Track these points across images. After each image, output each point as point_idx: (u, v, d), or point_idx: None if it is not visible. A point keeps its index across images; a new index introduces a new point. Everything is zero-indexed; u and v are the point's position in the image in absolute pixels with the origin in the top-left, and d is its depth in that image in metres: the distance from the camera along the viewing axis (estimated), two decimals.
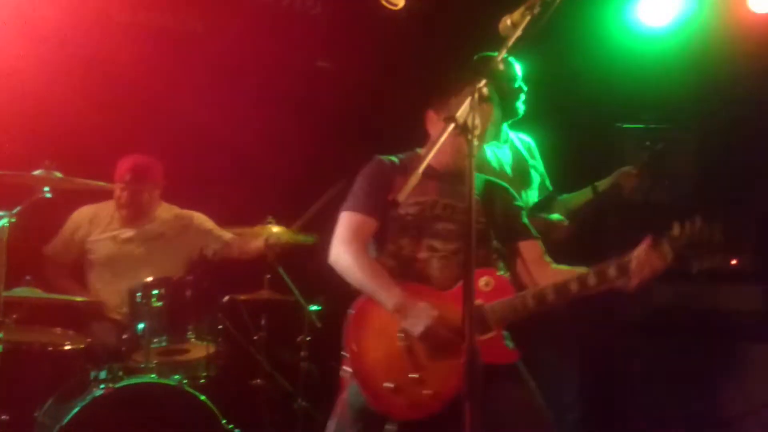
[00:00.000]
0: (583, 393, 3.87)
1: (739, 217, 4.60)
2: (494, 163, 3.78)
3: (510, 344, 2.80)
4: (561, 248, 2.93)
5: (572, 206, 4.00)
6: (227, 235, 4.36)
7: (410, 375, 2.68)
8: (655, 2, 4.74)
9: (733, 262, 4.53)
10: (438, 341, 2.67)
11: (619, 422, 4.44)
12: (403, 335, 2.72)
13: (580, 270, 2.75)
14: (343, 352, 2.75)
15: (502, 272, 2.91)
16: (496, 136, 3.88)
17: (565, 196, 4.04)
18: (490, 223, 2.95)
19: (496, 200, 3.02)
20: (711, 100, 4.73)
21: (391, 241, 2.90)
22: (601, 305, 4.47)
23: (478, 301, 2.72)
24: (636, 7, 4.77)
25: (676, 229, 2.60)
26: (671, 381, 4.48)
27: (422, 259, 2.86)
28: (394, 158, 3.02)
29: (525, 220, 3.05)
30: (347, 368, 2.73)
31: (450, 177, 2.92)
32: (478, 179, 3.04)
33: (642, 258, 2.61)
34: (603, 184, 4.00)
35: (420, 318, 2.68)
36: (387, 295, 2.74)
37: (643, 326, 4.57)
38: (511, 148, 3.92)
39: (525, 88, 3.88)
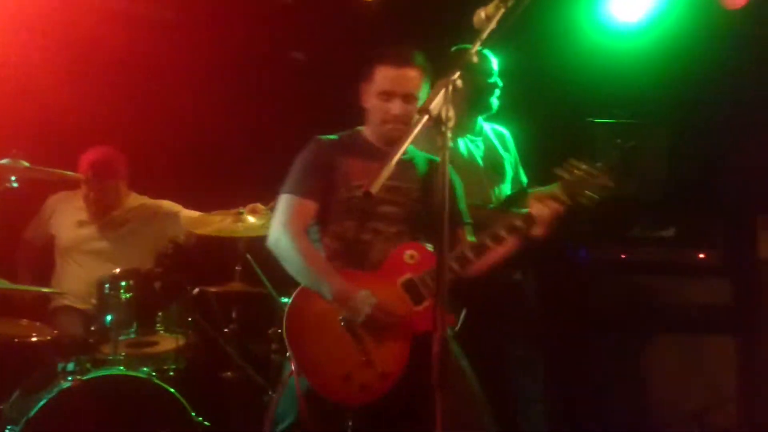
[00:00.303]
0: (549, 386, 3.90)
1: (707, 212, 4.67)
2: (465, 155, 3.79)
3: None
4: (530, 242, 2.94)
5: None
6: (195, 214, 4.31)
7: (358, 359, 2.70)
8: None
9: (701, 255, 4.58)
10: (380, 325, 2.70)
11: (584, 415, 4.48)
12: (344, 323, 2.73)
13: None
14: (288, 354, 2.73)
15: (428, 246, 2.92)
16: (471, 129, 3.89)
17: (535, 189, 4.05)
18: (433, 206, 2.96)
19: (438, 182, 3.02)
20: (682, 96, 4.78)
21: (335, 223, 2.90)
22: (570, 298, 4.54)
23: (407, 275, 2.80)
24: (608, 3, 4.79)
25: (561, 172, 2.82)
26: (637, 373, 4.52)
27: (365, 241, 2.88)
28: (333, 137, 3.02)
29: (462, 205, 3.08)
30: (293, 365, 2.71)
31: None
32: (420, 159, 3.07)
33: (540, 203, 2.79)
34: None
35: (361, 306, 2.71)
36: (326, 282, 2.75)
37: (609, 320, 4.61)
38: (484, 141, 3.93)
39: (500, 84, 3.88)
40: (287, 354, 2.76)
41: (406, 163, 3.00)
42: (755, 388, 4.35)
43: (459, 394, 2.74)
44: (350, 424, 2.69)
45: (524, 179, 4.04)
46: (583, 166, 2.86)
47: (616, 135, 4.38)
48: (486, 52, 3.83)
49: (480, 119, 3.93)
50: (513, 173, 3.99)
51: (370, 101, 2.98)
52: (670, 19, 4.69)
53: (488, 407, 2.86)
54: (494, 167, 3.89)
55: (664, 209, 4.68)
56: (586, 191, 2.82)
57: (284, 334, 2.73)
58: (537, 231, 2.82)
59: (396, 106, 2.91)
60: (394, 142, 2.94)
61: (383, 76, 2.93)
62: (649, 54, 4.74)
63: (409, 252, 2.84)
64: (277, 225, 2.89)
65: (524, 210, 2.83)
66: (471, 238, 3.04)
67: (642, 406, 4.47)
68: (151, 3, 4.85)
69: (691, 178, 4.71)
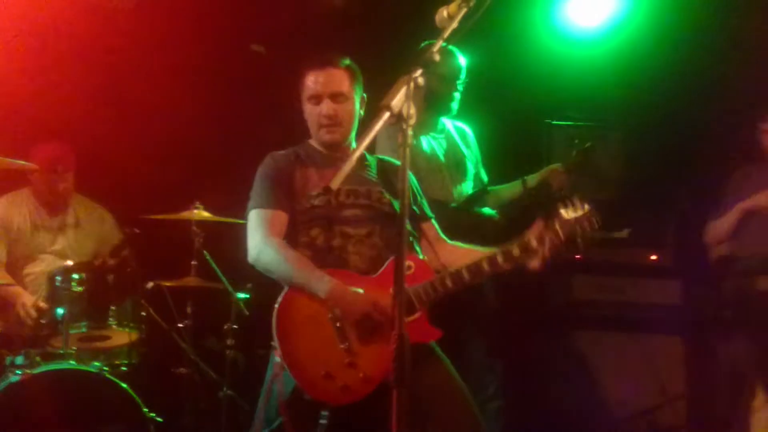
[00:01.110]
0: (506, 383, 3.94)
1: (660, 214, 4.75)
2: (428, 152, 3.81)
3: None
4: (488, 242, 2.97)
5: (502, 199, 4.06)
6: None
7: (342, 360, 2.71)
8: (584, 2, 4.84)
9: (653, 257, 4.67)
10: (371, 326, 2.72)
11: (539, 412, 4.53)
12: (335, 321, 2.74)
13: (481, 249, 2.89)
14: (272, 343, 2.73)
15: (421, 256, 2.97)
16: (433, 127, 3.90)
17: (495, 188, 4.09)
18: (394, 204, 2.98)
19: (394, 180, 3.03)
20: (637, 100, 4.87)
21: (302, 233, 2.91)
22: (526, 297, 4.59)
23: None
24: (567, 8, 4.85)
25: (563, 210, 2.78)
26: (590, 371, 4.59)
27: (337, 247, 2.88)
28: (286, 152, 3.03)
29: (421, 200, 3.11)
30: (278, 359, 2.71)
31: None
32: (372, 160, 3.08)
33: (539, 237, 2.76)
34: (532, 179, 4.06)
35: (355, 304, 2.73)
36: (320, 283, 2.76)
37: (564, 318, 4.67)
38: (446, 138, 3.95)
39: (460, 89, 3.89)
40: (271, 354, 2.76)
41: (360, 165, 3.02)
42: (703, 386, 4.44)
43: (442, 389, 2.79)
44: (325, 421, 2.68)
45: (485, 177, 4.07)
46: (585, 207, 2.79)
47: (573, 136, 4.45)
48: (454, 51, 3.84)
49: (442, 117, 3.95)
50: (474, 171, 4.02)
51: (305, 110, 3.01)
52: (628, 24, 4.77)
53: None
54: (456, 165, 3.91)
55: (618, 210, 4.76)
56: (582, 232, 2.76)
57: (273, 330, 2.72)
58: (533, 264, 2.79)
59: (325, 107, 2.94)
60: (336, 144, 2.99)
61: (309, 80, 2.98)
62: (605, 58, 4.82)
63: (407, 263, 2.81)
64: (255, 240, 2.87)
65: (523, 239, 2.79)
66: (440, 234, 3.07)
67: (593, 404, 4.54)
68: None
69: (646, 179, 4.80)
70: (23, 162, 3.71)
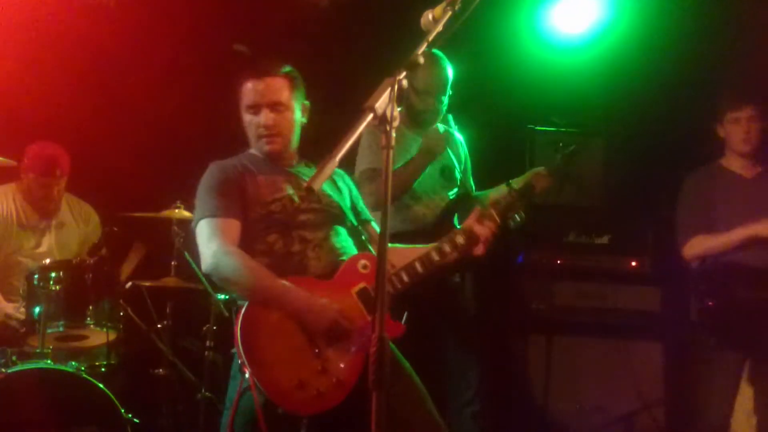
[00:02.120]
0: (483, 388, 3.94)
1: (640, 221, 4.78)
2: (412, 154, 3.81)
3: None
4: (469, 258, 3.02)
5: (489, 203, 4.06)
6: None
7: (314, 367, 2.66)
8: (569, 9, 4.87)
9: (633, 263, 4.69)
10: (339, 333, 2.69)
11: (516, 417, 4.54)
12: (302, 330, 2.69)
13: (420, 246, 2.96)
14: (240, 361, 2.65)
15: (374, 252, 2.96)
16: (420, 131, 3.91)
17: (480, 193, 4.09)
18: (344, 207, 3.00)
19: (339, 184, 3.08)
20: (618, 106, 4.90)
21: (258, 241, 2.85)
22: (507, 302, 4.60)
23: (361, 284, 2.80)
24: (551, 15, 4.87)
25: (493, 197, 3.08)
26: (569, 377, 4.61)
27: (297, 252, 2.84)
28: (231, 161, 3.00)
29: (361, 202, 3.15)
30: (246, 373, 2.63)
31: (294, 169, 2.99)
32: (310, 167, 3.08)
33: (478, 223, 2.96)
34: (517, 182, 4.06)
35: (322, 316, 2.68)
36: (284, 297, 2.71)
37: (545, 323, 4.69)
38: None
39: (442, 102, 3.88)
40: (239, 365, 2.68)
41: (303, 171, 3.03)
42: (681, 392, 4.46)
43: (407, 395, 2.75)
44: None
45: (472, 184, 4.08)
46: (514, 191, 3.09)
47: (556, 142, 4.46)
48: (440, 63, 3.82)
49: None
50: (461, 177, 4.02)
51: (244, 119, 2.98)
52: (611, 31, 4.80)
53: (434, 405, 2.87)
54: (441, 170, 3.91)
55: (600, 217, 4.78)
56: (515, 214, 3.05)
57: (238, 342, 2.64)
58: (477, 250, 2.96)
59: (263, 117, 2.93)
60: (276, 154, 2.96)
61: (247, 90, 2.95)
62: (588, 65, 4.85)
63: (362, 262, 2.84)
64: (210, 250, 2.77)
65: (465, 227, 2.97)
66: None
67: (571, 409, 4.56)
68: None
69: (627, 186, 4.83)
70: (4, 158, 3.67)
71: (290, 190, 2.91)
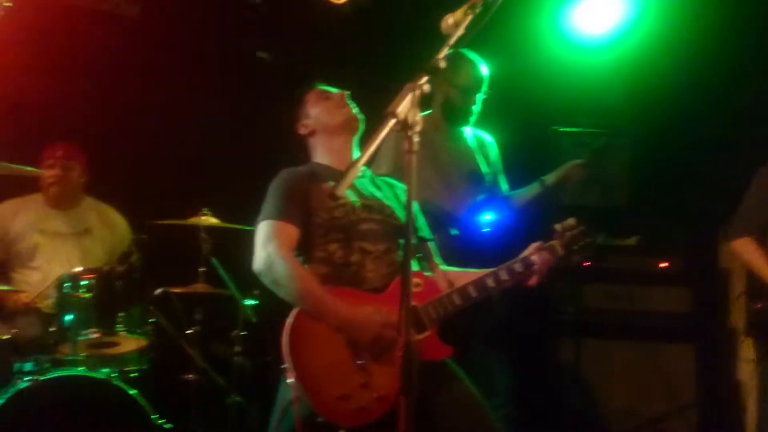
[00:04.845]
0: (512, 392, 3.92)
1: (668, 221, 4.73)
2: (440, 159, 3.81)
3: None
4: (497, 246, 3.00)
5: (521, 202, 4.06)
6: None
7: (357, 380, 2.67)
8: (592, 10, 4.83)
9: (663, 264, 4.64)
10: (384, 345, 2.69)
11: (548, 420, 4.51)
12: (347, 343, 2.71)
13: (474, 270, 2.92)
14: (284, 365, 2.68)
15: (428, 273, 2.97)
16: (450, 135, 3.90)
17: (512, 192, 4.09)
18: (401, 219, 3.00)
19: (400, 198, 3.09)
20: (644, 106, 4.85)
21: (318, 248, 2.89)
22: (537, 305, 4.57)
23: (412, 303, 2.75)
24: (574, 15, 4.84)
25: (559, 228, 2.91)
26: (598, 380, 4.57)
27: (355, 263, 2.86)
28: (300, 168, 3.06)
29: (421, 219, 3.13)
30: (291, 380, 2.66)
31: (356, 179, 3.00)
32: (373, 179, 3.10)
33: (539, 255, 2.87)
34: (550, 178, 4.06)
35: (367, 327, 2.70)
36: (329, 312, 2.73)
37: (575, 326, 4.66)
38: (462, 147, 3.95)
39: (479, 101, 3.89)
40: (282, 374, 2.71)
41: (364, 181, 3.05)
42: (714, 394, 4.41)
43: (473, 413, 2.78)
44: None
45: (504, 186, 4.07)
46: (580, 228, 2.95)
47: (580, 143, 4.44)
48: (475, 61, 3.84)
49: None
50: (491, 181, 4.01)
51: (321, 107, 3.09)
52: (635, 31, 4.75)
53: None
54: (469, 174, 3.91)
55: (627, 218, 4.74)
56: (580, 249, 2.93)
57: (285, 352, 2.67)
58: (532, 281, 2.89)
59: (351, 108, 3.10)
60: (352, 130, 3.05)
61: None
62: (613, 64, 4.80)
63: (415, 280, 2.82)
64: (266, 250, 2.82)
65: (524, 255, 2.89)
66: (436, 257, 3.09)
67: (602, 412, 4.52)
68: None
69: (654, 187, 4.78)
70: (23, 167, 3.74)
71: (353, 197, 2.95)
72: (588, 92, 4.80)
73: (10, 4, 3.07)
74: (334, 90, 3.15)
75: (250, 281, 4.08)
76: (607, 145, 3.97)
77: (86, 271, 3.73)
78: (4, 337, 3.62)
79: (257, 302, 4.16)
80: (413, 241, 2.97)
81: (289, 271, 2.78)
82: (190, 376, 4.12)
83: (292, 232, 2.87)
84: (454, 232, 3.80)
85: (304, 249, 2.90)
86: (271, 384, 2.89)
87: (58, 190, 4.29)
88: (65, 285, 3.68)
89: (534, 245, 2.90)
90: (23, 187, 4.30)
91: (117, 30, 4.72)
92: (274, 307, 2.91)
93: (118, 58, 4.72)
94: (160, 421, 3.51)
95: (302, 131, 3.14)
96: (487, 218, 3.98)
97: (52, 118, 4.55)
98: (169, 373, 4.11)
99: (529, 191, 4.08)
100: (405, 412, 2.05)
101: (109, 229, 4.41)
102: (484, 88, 3.89)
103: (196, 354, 4.12)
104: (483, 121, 4.08)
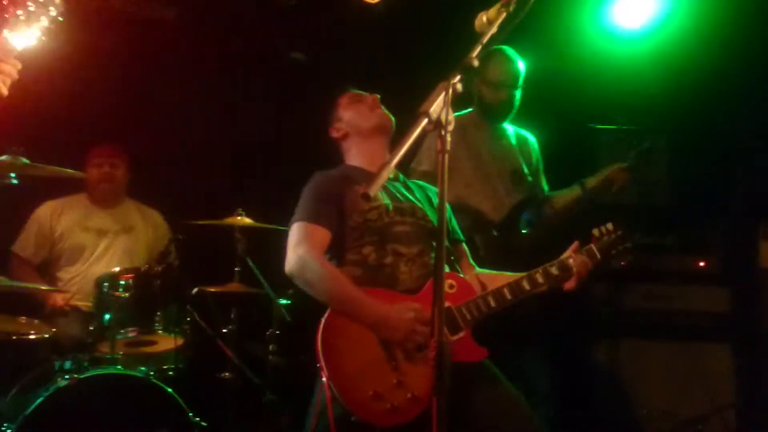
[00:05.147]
0: (549, 393, 3.89)
1: (707, 219, 4.66)
2: (479, 158, 3.79)
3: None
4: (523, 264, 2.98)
5: (560, 204, 4.02)
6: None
7: (390, 380, 2.67)
8: (629, 4, 4.77)
9: (701, 263, 4.58)
10: (417, 342, 2.69)
11: (585, 421, 4.47)
12: (381, 342, 2.71)
13: (509, 274, 2.92)
14: (318, 365, 2.69)
15: (462, 275, 2.97)
16: (491, 133, 3.88)
17: (552, 193, 4.06)
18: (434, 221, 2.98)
19: (432, 200, 3.08)
20: (682, 103, 4.78)
21: (352, 251, 2.90)
22: (571, 305, 4.53)
23: (446, 304, 2.77)
24: (611, 9, 4.79)
25: (597, 232, 2.93)
26: (636, 380, 4.52)
27: (389, 265, 2.86)
28: (334, 171, 3.08)
29: (454, 222, 3.13)
30: (324, 379, 2.67)
31: (390, 182, 3.02)
32: (405, 182, 3.10)
33: (577, 258, 2.87)
34: (590, 182, 4.01)
35: (399, 324, 2.70)
36: (363, 312, 2.73)
37: (611, 326, 4.61)
38: (503, 145, 3.94)
39: (515, 95, 3.86)
40: (317, 374, 2.72)
41: (396, 184, 3.04)
42: (753, 395, 4.34)
43: (513, 413, 2.77)
44: None
45: (545, 185, 4.04)
46: (619, 232, 2.96)
47: (618, 141, 4.38)
48: (509, 55, 3.82)
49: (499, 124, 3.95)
50: (532, 179, 3.97)
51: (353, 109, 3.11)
52: (672, 25, 4.69)
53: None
54: (511, 173, 3.89)
55: (665, 216, 4.68)
56: (618, 255, 2.95)
57: (319, 350, 2.68)
58: (569, 284, 2.89)
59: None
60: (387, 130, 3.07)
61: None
62: (651, 60, 4.74)
63: (449, 281, 2.83)
64: (297, 252, 2.84)
65: (562, 259, 2.88)
66: (470, 259, 3.10)
67: (639, 413, 4.47)
68: (152, 3, 4.85)
69: (692, 185, 4.71)
70: (66, 170, 3.80)
71: (386, 200, 2.96)
72: (626, 89, 4.74)
73: (62, 19, 3.14)
74: (366, 93, 3.16)
75: (284, 281, 4.06)
76: (651, 148, 3.92)
77: (124, 271, 3.79)
78: (45, 335, 3.69)
79: (291, 301, 4.18)
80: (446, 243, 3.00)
81: (320, 272, 2.80)
82: (226, 374, 4.15)
83: (324, 234, 2.88)
84: (493, 233, 3.78)
85: (338, 252, 2.91)
86: (306, 383, 2.90)
87: (105, 187, 4.38)
88: (104, 285, 3.74)
89: (572, 247, 2.89)
90: (68, 189, 4.38)
91: (152, 33, 4.78)
92: (307, 307, 2.92)
93: (156, 61, 4.78)
94: (196, 419, 3.55)
95: (335, 134, 3.16)
96: (527, 219, 3.95)
97: (90, 122, 4.62)
98: (205, 371, 4.15)
99: (569, 193, 4.04)
100: (437, 413, 2.04)
101: (151, 227, 4.48)
102: (519, 83, 3.86)
103: (232, 352, 4.15)
104: (521, 119, 4.06)
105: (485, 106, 3.89)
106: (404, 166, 3.44)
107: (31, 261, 4.32)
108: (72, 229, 4.34)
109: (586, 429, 4.46)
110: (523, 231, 3.89)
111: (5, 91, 2.31)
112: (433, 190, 3.13)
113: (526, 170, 3.93)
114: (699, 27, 4.60)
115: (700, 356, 4.45)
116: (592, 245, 2.89)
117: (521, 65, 3.87)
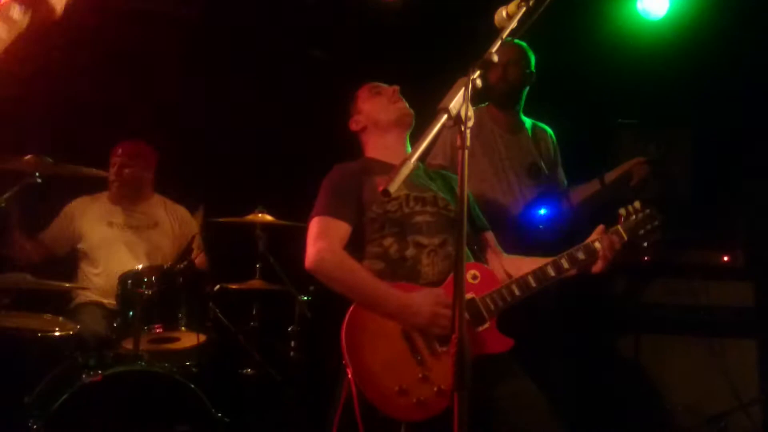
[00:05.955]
0: (567, 387, 3.87)
1: (731, 214, 4.62)
2: (495, 152, 3.78)
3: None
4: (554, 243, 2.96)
5: (578, 198, 3.99)
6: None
7: (415, 374, 2.66)
8: None
9: (725, 258, 4.54)
10: (441, 326, 2.66)
11: (607, 417, 4.45)
12: (405, 336, 2.70)
13: (538, 258, 2.86)
14: (343, 361, 2.68)
15: (486, 265, 2.94)
16: (508, 127, 3.86)
17: (572, 187, 4.03)
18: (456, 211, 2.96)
19: (455, 189, 3.03)
20: (706, 98, 4.73)
21: (373, 243, 2.88)
22: (594, 299, 4.51)
23: (469, 295, 2.75)
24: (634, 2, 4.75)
25: (623, 212, 2.83)
26: (660, 376, 4.49)
27: (411, 257, 2.85)
28: (352, 164, 3.07)
29: (477, 210, 3.10)
30: (349, 375, 2.66)
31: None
32: (426, 171, 3.08)
33: (603, 240, 2.77)
34: (610, 176, 3.98)
35: (421, 309, 2.69)
36: (384, 297, 2.72)
37: (634, 321, 4.58)
38: (519, 139, 3.92)
39: (521, 84, 3.85)
40: (341, 370, 2.72)
41: (418, 172, 3.03)
42: None
43: (534, 409, 2.75)
44: None
45: (564, 181, 4.02)
46: (646, 211, 2.86)
47: (640, 134, 4.35)
48: (520, 46, 3.80)
49: (521, 116, 3.92)
50: (550, 173, 3.95)
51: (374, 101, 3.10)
52: (695, 21, 4.65)
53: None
54: (528, 168, 3.87)
55: (688, 210, 4.64)
56: (646, 234, 2.83)
57: (342, 345, 2.67)
58: (597, 267, 2.80)
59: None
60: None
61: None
62: (673, 54, 4.70)
63: (472, 272, 2.80)
64: (316, 247, 2.83)
65: (587, 242, 2.81)
66: (497, 246, 3.07)
67: (663, 408, 4.44)
68: (176, 2, 4.88)
69: (716, 179, 4.66)
70: (90, 169, 3.84)
71: (405, 190, 2.93)
72: (648, 83, 4.70)
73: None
74: (385, 85, 3.15)
75: (305, 277, 4.08)
76: (671, 141, 3.88)
77: (148, 269, 3.81)
78: (70, 332, 3.72)
79: (312, 298, 4.19)
80: (468, 231, 2.98)
81: (340, 265, 2.79)
82: (248, 370, 4.18)
83: (343, 228, 2.87)
84: (511, 229, 3.77)
85: (359, 245, 2.89)
86: (327, 379, 2.91)
87: (118, 186, 4.40)
88: (128, 282, 3.77)
89: (597, 230, 2.82)
90: (91, 187, 4.41)
91: (175, 32, 4.80)
92: (329, 303, 2.92)
93: (179, 60, 4.81)
94: (218, 415, 3.57)
95: (354, 127, 3.15)
96: (544, 214, 3.92)
97: (112, 120, 4.66)
98: (227, 368, 4.17)
99: (588, 187, 4.01)
100: (458, 408, 2.03)
101: (177, 223, 4.50)
102: (524, 63, 3.82)
103: (254, 349, 4.17)
104: (540, 112, 4.04)
105: (495, 90, 3.84)
106: (422, 161, 3.43)
107: (52, 251, 4.35)
108: (96, 226, 4.38)
109: (608, 425, 4.43)
110: (539, 226, 3.87)
111: (60, 9, 2.26)
112: (454, 179, 3.10)
113: (543, 164, 3.91)
114: (723, 21, 4.55)
115: (724, 352, 4.41)
116: (619, 226, 2.81)
117: (530, 54, 3.85)
